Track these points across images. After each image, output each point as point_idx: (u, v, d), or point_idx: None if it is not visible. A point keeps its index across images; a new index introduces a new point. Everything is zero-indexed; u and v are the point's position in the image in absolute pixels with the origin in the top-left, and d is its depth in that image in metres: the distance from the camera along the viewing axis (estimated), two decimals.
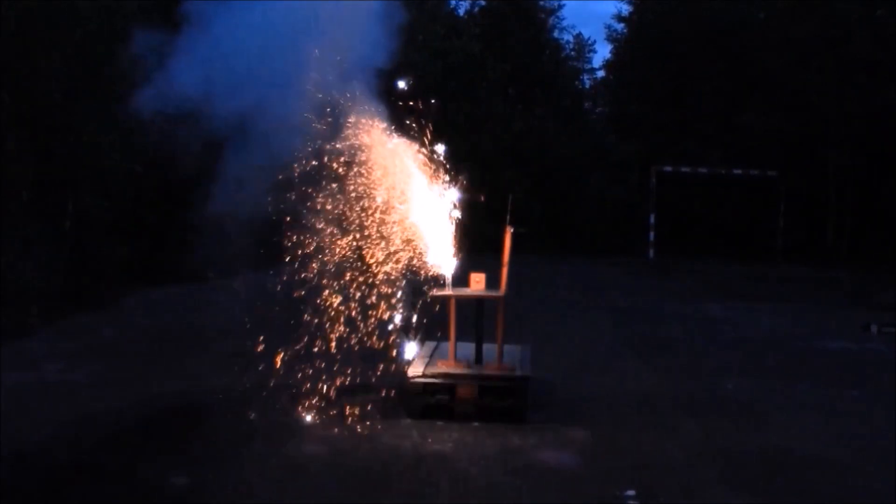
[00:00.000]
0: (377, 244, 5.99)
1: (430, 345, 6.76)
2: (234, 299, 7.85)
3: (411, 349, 6.24)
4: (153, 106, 5.75)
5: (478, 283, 6.26)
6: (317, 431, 5.61)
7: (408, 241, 6.03)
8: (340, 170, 5.88)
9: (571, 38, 31.42)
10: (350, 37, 5.69)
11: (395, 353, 6.15)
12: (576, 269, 19.35)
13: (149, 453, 5.11)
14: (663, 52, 25.88)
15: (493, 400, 6.00)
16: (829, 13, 21.88)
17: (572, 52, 31.23)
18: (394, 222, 6.00)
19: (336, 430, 5.64)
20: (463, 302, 6.23)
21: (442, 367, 6.11)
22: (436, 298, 6.09)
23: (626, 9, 29.56)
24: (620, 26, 30.05)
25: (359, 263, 5.97)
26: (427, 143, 6.05)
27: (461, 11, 27.50)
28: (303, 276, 5.97)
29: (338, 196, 5.90)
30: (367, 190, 5.95)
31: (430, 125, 6.03)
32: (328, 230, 5.92)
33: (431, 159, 6.07)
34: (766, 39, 23.63)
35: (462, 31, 24.47)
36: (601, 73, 32.13)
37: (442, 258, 6.11)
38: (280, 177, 5.74)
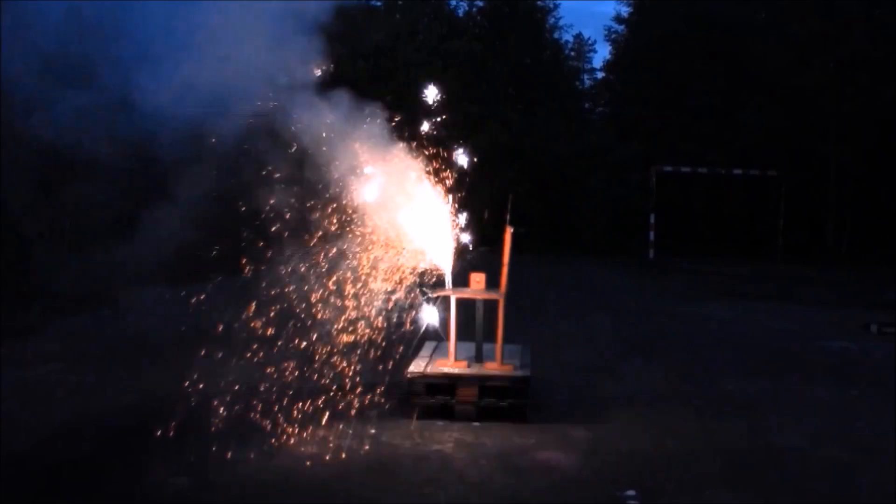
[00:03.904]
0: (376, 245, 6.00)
1: (430, 345, 6.76)
2: (234, 299, 7.84)
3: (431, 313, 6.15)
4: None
5: (478, 283, 6.26)
6: (317, 431, 5.61)
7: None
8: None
9: (571, 39, 31.51)
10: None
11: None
12: (576, 269, 19.34)
13: (149, 453, 5.11)
14: (663, 52, 25.88)
15: (493, 400, 6.00)
16: (829, 13, 21.89)
17: (572, 53, 31.29)
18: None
19: (336, 430, 5.64)
20: (463, 302, 6.23)
21: (442, 367, 6.11)
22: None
23: (625, 10, 29.65)
24: (620, 27, 30.12)
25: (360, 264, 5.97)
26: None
27: (461, 12, 27.52)
28: (304, 276, 5.98)
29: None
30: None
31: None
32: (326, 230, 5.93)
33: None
34: (766, 39, 23.65)
35: (462, 31, 24.49)
36: (601, 74, 32.22)
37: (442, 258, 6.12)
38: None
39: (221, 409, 5.82)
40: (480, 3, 27.63)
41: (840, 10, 21.66)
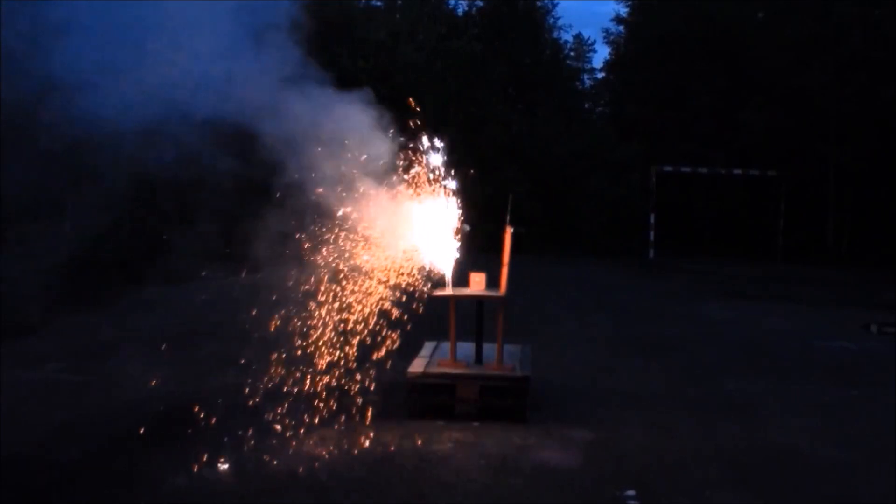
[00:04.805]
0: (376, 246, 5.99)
1: (430, 345, 6.76)
2: (234, 299, 7.85)
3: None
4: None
5: (478, 283, 6.26)
6: (317, 432, 5.61)
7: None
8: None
9: (571, 39, 31.54)
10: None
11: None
12: (576, 269, 19.35)
13: (149, 453, 5.12)
14: (663, 52, 25.90)
15: (493, 400, 6.00)
16: (826, 14, 21.92)
17: (572, 53, 31.32)
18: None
19: (336, 430, 5.64)
20: (463, 302, 6.23)
21: (442, 367, 6.11)
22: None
23: (624, 11, 29.66)
24: (619, 28, 30.16)
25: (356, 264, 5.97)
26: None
27: (460, 10, 27.56)
28: (303, 275, 5.98)
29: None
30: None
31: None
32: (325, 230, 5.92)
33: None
34: (766, 39, 23.67)
35: (462, 31, 24.50)
36: (601, 74, 32.24)
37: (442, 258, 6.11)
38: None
39: (220, 409, 5.82)
40: (480, 3, 27.69)
41: (837, 11, 21.67)
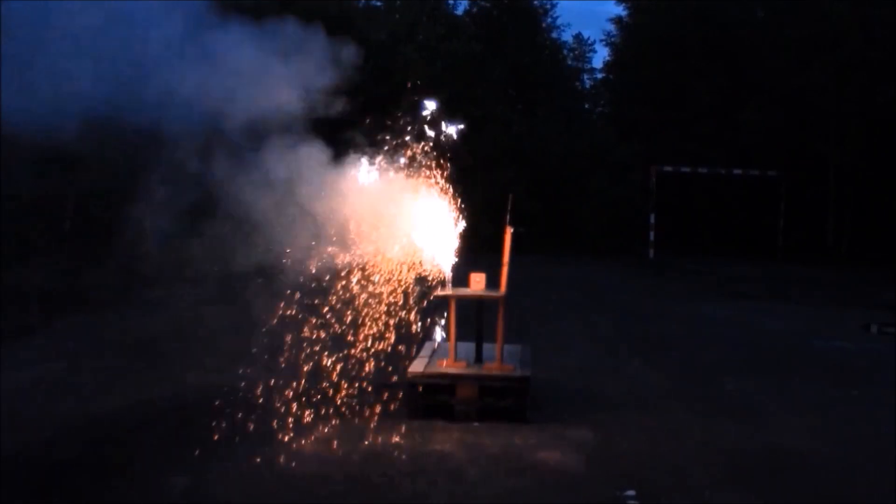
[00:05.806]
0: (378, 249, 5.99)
1: (430, 345, 6.76)
2: (233, 299, 7.86)
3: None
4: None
5: (478, 283, 6.26)
6: (317, 431, 5.61)
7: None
8: None
9: (571, 39, 31.49)
10: None
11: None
12: (576, 268, 19.34)
13: (149, 453, 5.12)
14: (663, 53, 25.89)
15: (493, 400, 6.00)
16: (825, 13, 21.91)
17: (571, 53, 31.27)
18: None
19: (336, 430, 5.64)
20: (463, 302, 6.23)
21: (442, 367, 6.11)
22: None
23: (623, 11, 29.62)
24: (619, 31, 30.09)
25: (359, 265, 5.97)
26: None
27: (460, 9, 27.53)
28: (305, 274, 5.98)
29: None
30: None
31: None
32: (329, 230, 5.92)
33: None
34: (766, 39, 23.67)
35: (462, 31, 24.48)
36: (601, 74, 32.19)
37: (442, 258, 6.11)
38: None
39: (220, 408, 5.82)
40: (480, 3, 27.64)
41: (835, 13, 21.66)
